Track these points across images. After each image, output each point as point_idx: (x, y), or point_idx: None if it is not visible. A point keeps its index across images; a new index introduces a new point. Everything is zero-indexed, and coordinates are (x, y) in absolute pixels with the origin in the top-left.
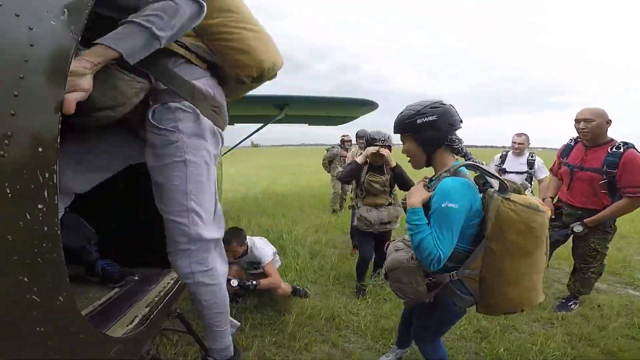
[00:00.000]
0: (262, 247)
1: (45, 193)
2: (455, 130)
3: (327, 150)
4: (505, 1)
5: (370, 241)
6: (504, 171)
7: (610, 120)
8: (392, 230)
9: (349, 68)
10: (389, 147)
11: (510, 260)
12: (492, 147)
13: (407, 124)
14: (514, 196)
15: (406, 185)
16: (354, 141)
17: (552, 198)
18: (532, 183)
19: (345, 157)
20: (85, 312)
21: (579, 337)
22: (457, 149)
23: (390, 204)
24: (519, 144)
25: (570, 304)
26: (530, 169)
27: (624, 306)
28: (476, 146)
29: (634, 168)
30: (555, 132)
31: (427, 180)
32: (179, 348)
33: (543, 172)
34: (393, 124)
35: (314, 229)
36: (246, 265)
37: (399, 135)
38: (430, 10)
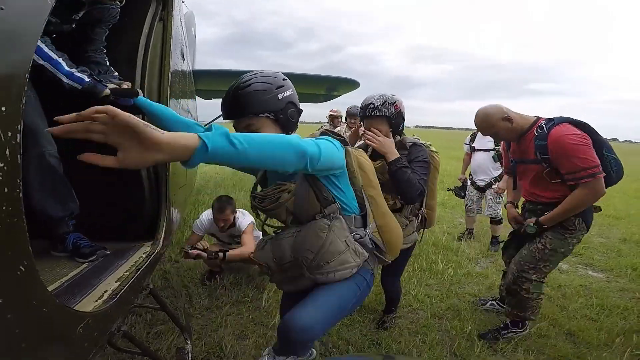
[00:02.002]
0: (242, 218)
1: (7, 152)
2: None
3: (318, 129)
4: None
5: None
6: (474, 149)
7: (508, 116)
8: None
9: (336, 48)
10: (392, 120)
11: (381, 198)
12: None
13: (266, 102)
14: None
15: (403, 194)
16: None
17: (513, 203)
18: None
19: None
20: (52, 287)
21: (542, 317)
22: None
23: (401, 208)
24: None
25: (506, 332)
26: (497, 145)
27: (584, 287)
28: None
29: (565, 148)
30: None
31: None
32: (154, 327)
33: None
34: (233, 106)
35: None
36: (227, 239)
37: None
38: (426, 9)
